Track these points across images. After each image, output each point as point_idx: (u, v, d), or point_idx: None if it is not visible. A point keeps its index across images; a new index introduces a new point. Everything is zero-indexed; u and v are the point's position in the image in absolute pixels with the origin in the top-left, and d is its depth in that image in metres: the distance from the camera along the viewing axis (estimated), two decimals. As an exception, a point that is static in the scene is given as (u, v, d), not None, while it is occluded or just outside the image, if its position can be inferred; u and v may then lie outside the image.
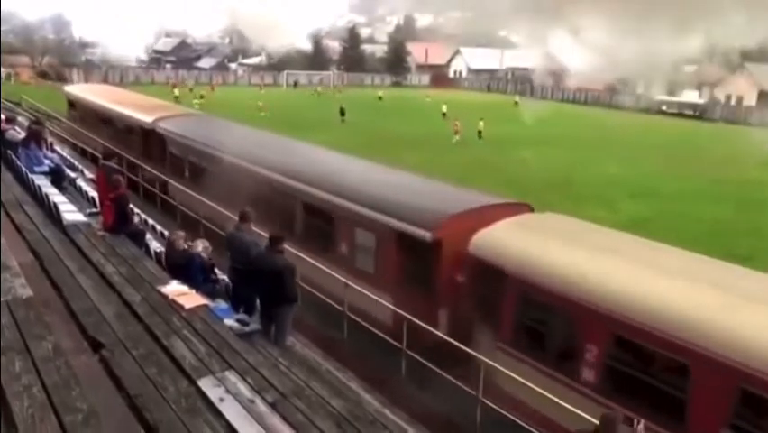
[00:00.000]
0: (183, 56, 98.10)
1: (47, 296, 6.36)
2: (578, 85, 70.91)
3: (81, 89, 31.14)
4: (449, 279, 9.55)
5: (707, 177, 28.74)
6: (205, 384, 5.02)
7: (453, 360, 8.35)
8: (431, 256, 9.78)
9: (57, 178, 12.44)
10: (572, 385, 7.60)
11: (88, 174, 15.85)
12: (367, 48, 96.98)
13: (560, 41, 36.89)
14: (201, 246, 8.58)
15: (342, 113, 45.30)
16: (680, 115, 61.40)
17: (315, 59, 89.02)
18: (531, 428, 7.39)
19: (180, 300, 6.79)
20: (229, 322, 6.83)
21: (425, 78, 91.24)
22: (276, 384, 5.25)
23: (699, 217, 21.43)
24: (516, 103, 61.28)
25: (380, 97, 63.79)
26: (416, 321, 8.74)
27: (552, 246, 8.60)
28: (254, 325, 7.31)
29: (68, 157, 18.90)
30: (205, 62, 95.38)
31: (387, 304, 9.68)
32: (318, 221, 12.22)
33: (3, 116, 16.10)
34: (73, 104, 27.92)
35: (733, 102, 66.36)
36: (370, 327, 9.50)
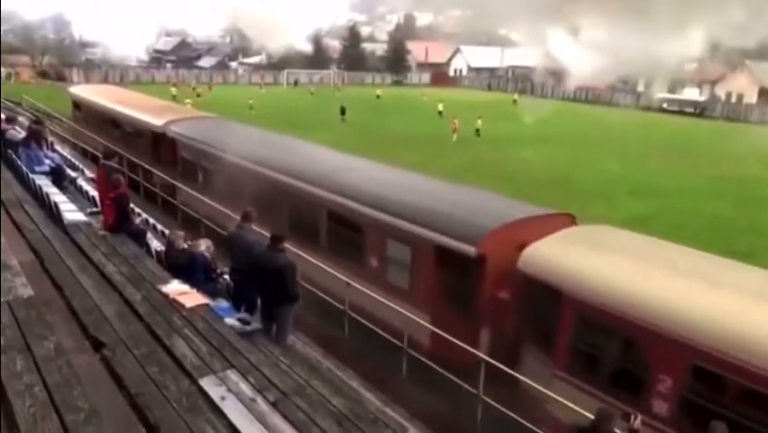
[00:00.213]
0: (183, 55, 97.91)
1: (48, 295, 6.36)
2: (578, 84, 70.68)
3: (87, 90, 29.83)
4: (492, 296, 9.00)
5: (707, 174, 28.75)
6: (207, 383, 5.02)
7: (497, 381, 7.86)
8: (474, 272, 9.14)
9: (57, 177, 12.45)
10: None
11: (89, 173, 15.86)
12: (367, 46, 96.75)
13: (560, 39, 36.80)
14: (204, 246, 8.58)
15: (343, 112, 45.25)
16: (680, 112, 61.29)
17: (316, 57, 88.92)
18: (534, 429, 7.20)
19: (181, 299, 6.79)
20: (230, 321, 6.85)
21: (426, 77, 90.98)
22: (277, 383, 5.25)
23: (699, 213, 21.45)
24: (514, 101, 61.14)
25: (378, 96, 63.61)
26: (460, 343, 8.13)
27: (616, 264, 7.97)
28: (255, 324, 7.33)
29: (69, 156, 18.89)
30: (206, 61, 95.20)
31: (425, 324, 9.14)
32: (348, 232, 11.46)
33: (3, 116, 16.12)
34: (78, 105, 27.03)
35: (733, 99, 66.33)
36: (406, 347, 8.97)
